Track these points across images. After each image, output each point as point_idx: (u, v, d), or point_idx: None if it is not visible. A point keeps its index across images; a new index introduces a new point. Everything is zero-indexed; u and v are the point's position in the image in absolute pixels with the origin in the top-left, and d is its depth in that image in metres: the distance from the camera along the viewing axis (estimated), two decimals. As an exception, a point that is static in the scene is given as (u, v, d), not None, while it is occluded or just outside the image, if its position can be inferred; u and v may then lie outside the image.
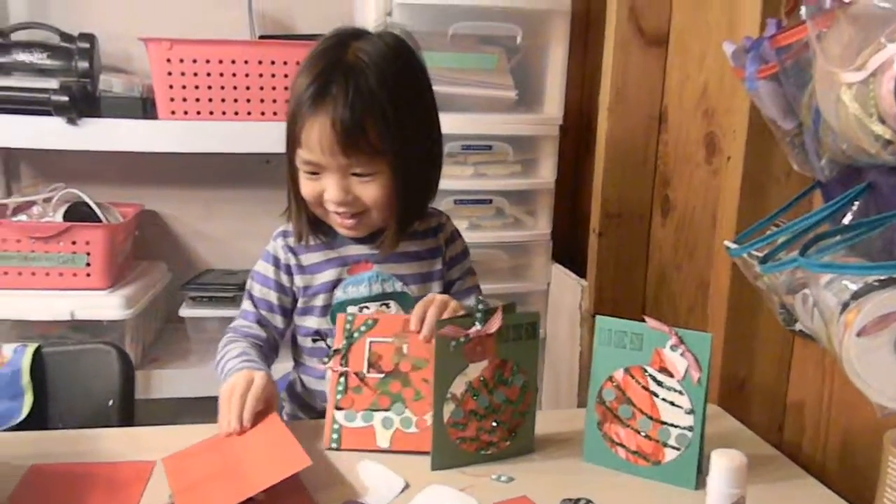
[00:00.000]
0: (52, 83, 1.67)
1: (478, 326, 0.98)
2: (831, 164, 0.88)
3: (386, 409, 1.03)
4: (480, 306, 0.99)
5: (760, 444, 1.11)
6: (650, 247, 1.64)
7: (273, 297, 1.19)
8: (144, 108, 1.74)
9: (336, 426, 1.03)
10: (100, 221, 1.74)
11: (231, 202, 2.07)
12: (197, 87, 1.71)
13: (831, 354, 0.82)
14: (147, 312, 1.85)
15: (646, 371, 1.00)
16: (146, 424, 1.15)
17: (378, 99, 1.04)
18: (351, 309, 1.14)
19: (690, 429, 0.97)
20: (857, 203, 0.86)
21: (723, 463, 0.78)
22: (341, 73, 1.03)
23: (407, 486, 0.94)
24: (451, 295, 1.15)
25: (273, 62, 1.72)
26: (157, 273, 1.96)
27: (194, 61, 1.70)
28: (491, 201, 1.80)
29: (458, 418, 1.00)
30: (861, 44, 0.72)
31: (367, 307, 1.16)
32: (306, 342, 1.21)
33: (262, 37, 1.94)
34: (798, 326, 1.03)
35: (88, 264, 1.71)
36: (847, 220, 0.86)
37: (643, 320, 1.00)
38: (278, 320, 1.20)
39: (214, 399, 1.03)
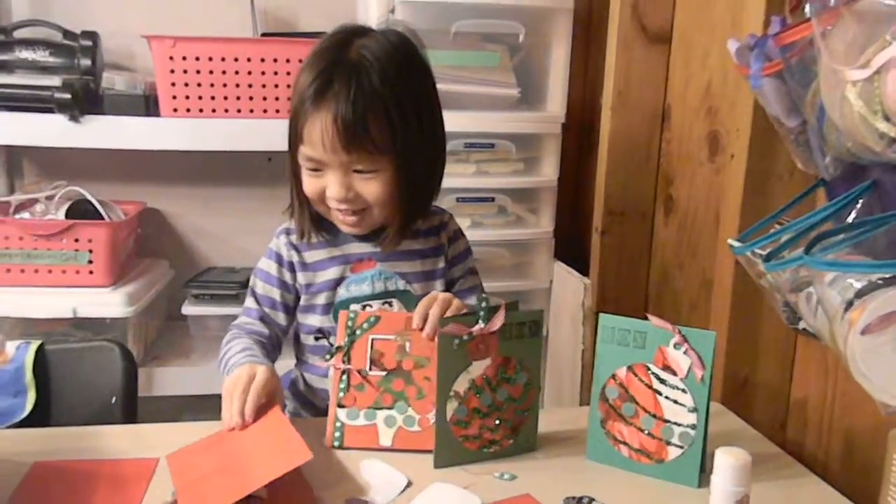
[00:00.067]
0: (55, 81, 1.67)
1: (481, 324, 0.98)
2: (835, 161, 0.88)
3: (389, 408, 1.03)
4: (483, 304, 0.99)
5: (763, 443, 1.11)
6: (653, 245, 1.64)
7: (276, 294, 1.19)
8: (147, 105, 1.74)
9: (339, 424, 1.03)
10: (102, 219, 1.74)
11: (233, 200, 2.07)
12: (200, 85, 1.71)
13: (835, 353, 0.82)
14: (149, 310, 1.85)
15: (649, 369, 1.00)
16: (149, 422, 1.15)
17: (381, 96, 1.04)
18: (353, 307, 1.14)
19: (693, 427, 0.97)
20: (861, 201, 0.85)
21: (727, 461, 0.78)
22: (344, 70, 1.03)
23: (410, 484, 0.94)
24: (453, 294, 1.15)
25: (276, 60, 1.72)
26: (160, 271, 1.96)
27: (197, 59, 1.70)
28: (493, 199, 1.80)
29: (462, 416, 1.00)
30: (866, 41, 0.72)
31: (369, 305, 1.16)
32: (309, 340, 1.21)
33: (264, 34, 1.94)
34: (801, 325, 1.03)
35: (91, 262, 1.71)
36: (851, 218, 0.86)
37: (645, 318, 1.00)
38: (281, 318, 1.20)
39: (217, 397, 1.03)
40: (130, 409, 1.26)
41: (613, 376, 1.02)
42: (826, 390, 1.12)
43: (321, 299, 1.17)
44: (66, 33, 1.80)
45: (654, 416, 0.99)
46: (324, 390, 1.18)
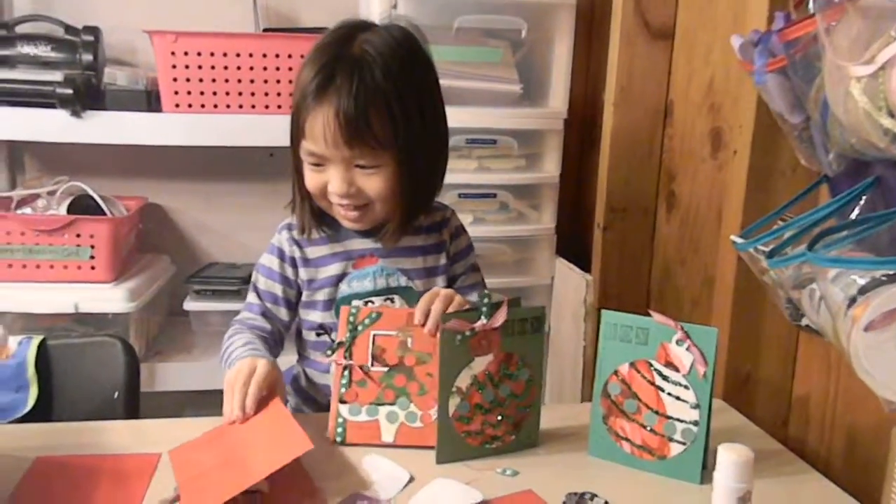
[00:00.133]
0: (57, 76, 1.67)
1: (483, 320, 0.98)
2: (839, 158, 0.88)
3: (391, 404, 1.03)
4: (486, 300, 0.99)
5: (765, 439, 1.11)
6: (655, 241, 1.64)
7: (278, 289, 1.19)
8: (149, 100, 1.74)
9: (340, 420, 1.03)
10: (104, 214, 1.74)
11: (235, 195, 2.07)
12: (201, 80, 1.71)
13: (837, 349, 0.82)
14: (151, 305, 1.85)
15: (651, 365, 1.00)
16: (150, 417, 1.15)
17: (383, 91, 1.03)
18: (355, 303, 1.14)
19: (696, 423, 0.97)
20: (864, 197, 0.85)
21: (730, 457, 0.78)
22: (347, 65, 1.03)
23: (412, 480, 0.94)
24: (455, 290, 1.15)
25: (277, 55, 1.71)
26: (161, 266, 1.96)
27: (199, 54, 1.70)
28: (495, 195, 1.80)
29: (464, 412, 1.00)
30: (870, 37, 0.72)
31: (371, 302, 1.16)
32: (310, 336, 1.20)
33: (266, 30, 1.94)
34: (804, 321, 1.03)
35: (92, 257, 1.71)
36: (855, 214, 0.86)
37: (647, 315, 1.00)
38: (283, 313, 1.20)
39: (219, 392, 1.03)
40: (132, 404, 1.27)
41: (616, 372, 1.02)
42: (828, 387, 1.12)
43: (323, 295, 1.17)
44: (68, 28, 1.79)
45: (657, 412, 0.99)
46: (326, 386, 1.18)
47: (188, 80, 1.71)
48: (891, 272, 0.76)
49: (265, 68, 1.72)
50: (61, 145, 1.75)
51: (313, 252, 1.18)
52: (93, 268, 1.71)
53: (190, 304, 1.89)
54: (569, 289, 1.78)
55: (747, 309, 1.21)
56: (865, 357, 0.77)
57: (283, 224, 1.21)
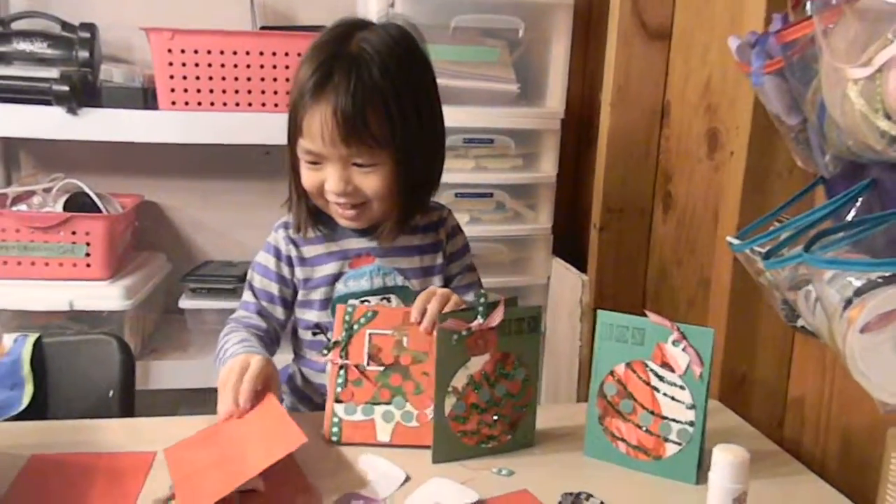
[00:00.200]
0: (53, 73, 1.66)
1: (480, 320, 0.98)
2: (835, 159, 0.88)
3: (387, 403, 1.03)
4: (482, 300, 0.99)
5: (761, 440, 1.12)
6: (651, 242, 1.64)
7: (274, 288, 1.19)
8: (145, 98, 1.73)
9: (336, 419, 1.03)
10: (100, 212, 1.74)
11: (231, 193, 2.06)
12: (198, 78, 1.70)
13: (833, 350, 0.82)
14: (146, 303, 1.85)
15: (647, 366, 1.00)
16: (145, 415, 1.15)
17: (380, 90, 1.03)
18: (351, 302, 1.14)
19: (691, 424, 0.97)
20: (860, 199, 0.85)
21: (725, 458, 0.78)
22: (344, 63, 1.03)
23: (408, 479, 0.94)
24: (451, 290, 1.15)
25: (274, 53, 1.71)
26: (157, 264, 1.96)
27: (195, 52, 1.69)
28: (492, 195, 1.79)
29: (460, 412, 1.00)
30: (868, 39, 0.72)
31: (367, 301, 1.16)
32: (306, 335, 1.20)
33: (263, 28, 1.94)
34: (800, 322, 1.03)
35: (88, 255, 1.70)
36: (851, 216, 0.86)
37: (644, 315, 1.00)
38: (279, 312, 1.19)
39: (214, 390, 1.02)
40: (128, 402, 1.26)
41: (612, 373, 1.02)
42: (824, 388, 1.12)
43: (319, 294, 1.17)
44: (65, 25, 1.79)
45: (652, 412, 1.00)
46: (321, 385, 1.18)
47: (185, 77, 1.70)
48: (887, 274, 0.76)
49: (262, 66, 1.71)
50: (57, 142, 1.74)
51: (309, 251, 1.18)
52: (88, 265, 1.71)
53: (186, 302, 1.89)
54: (565, 289, 1.78)
55: (743, 310, 1.21)
56: (861, 359, 0.77)
57: (279, 222, 1.20)
